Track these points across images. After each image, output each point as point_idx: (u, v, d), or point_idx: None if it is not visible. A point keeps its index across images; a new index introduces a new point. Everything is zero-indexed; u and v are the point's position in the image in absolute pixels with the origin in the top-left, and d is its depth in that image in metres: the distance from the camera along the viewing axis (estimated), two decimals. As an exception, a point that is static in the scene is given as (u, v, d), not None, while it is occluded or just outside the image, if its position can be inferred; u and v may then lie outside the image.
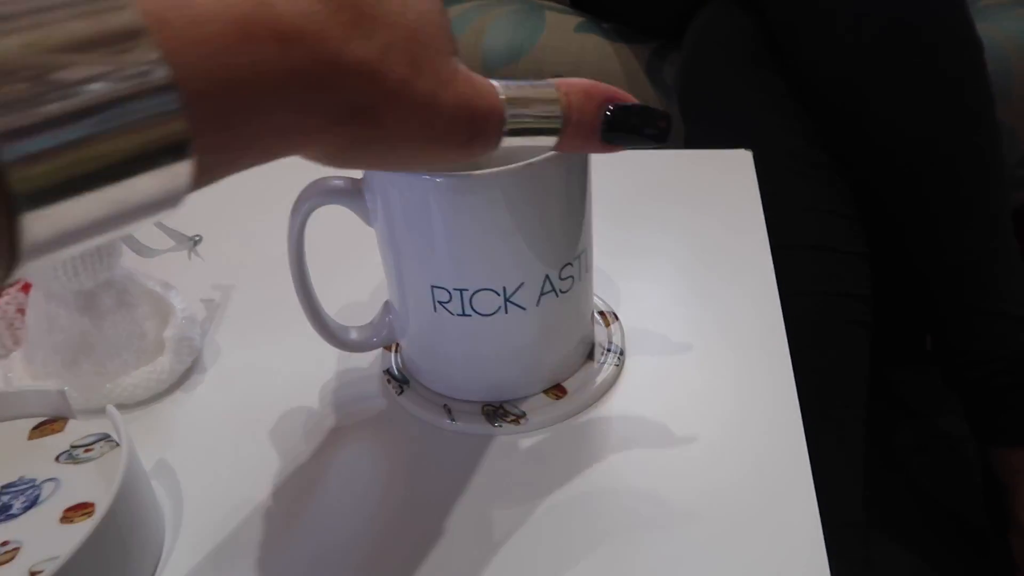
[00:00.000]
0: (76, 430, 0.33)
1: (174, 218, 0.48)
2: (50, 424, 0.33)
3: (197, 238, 0.44)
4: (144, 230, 0.46)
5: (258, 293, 0.47)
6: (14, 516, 0.29)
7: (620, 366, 0.39)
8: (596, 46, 0.96)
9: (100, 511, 0.27)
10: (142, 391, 0.39)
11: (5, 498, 0.29)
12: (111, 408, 0.32)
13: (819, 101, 0.71)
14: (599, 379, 0.38)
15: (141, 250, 0.39)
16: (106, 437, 0.32)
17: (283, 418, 0.38)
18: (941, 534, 0.88)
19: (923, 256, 0.71)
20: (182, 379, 0.41)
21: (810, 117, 0.71)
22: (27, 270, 0.16)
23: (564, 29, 0.98)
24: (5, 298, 0.42)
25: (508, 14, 1.00)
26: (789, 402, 0.36)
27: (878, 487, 0.79)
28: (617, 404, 0.37)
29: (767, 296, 0.43)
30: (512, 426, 0.36)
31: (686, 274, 0.46)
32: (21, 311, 0.43)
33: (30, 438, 0.32)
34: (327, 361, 0.41)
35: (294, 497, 0.34)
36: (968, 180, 0.68)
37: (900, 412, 1.02)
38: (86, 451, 0.32)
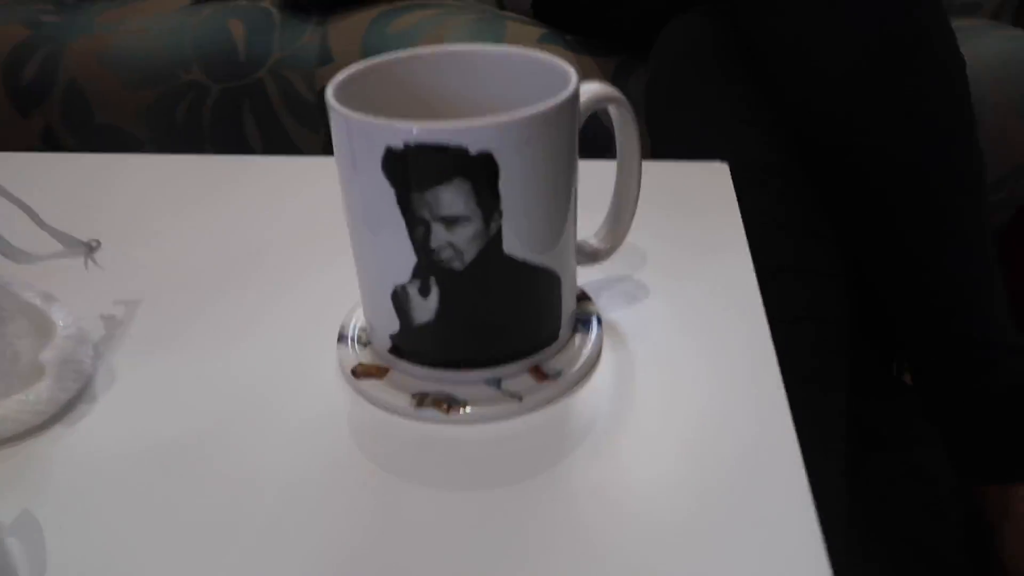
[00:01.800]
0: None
1: (66, 220, 0.42)
2: None
3: (94, 243, 0.37)
4: (29, 233, 0.39)
5: (169, 308, 0.40)
6: None
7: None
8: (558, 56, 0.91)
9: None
10: (11, 424, 0.32)
11: None
12: None
13: (795, 119, 0.67)
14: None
15: (13, 254, 0.33)
16: None
17: (192, 458, 0.31)
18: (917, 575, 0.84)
19: (903, 281, 0.67)
20: (65, 410, 0.34)
21: (785, 131, 0.67)
22: None
23: (526, 40, 0.93)
24: None
25: (467, 23, 0.96)
26: (775, 390, 0.31)
27: (848, 524, 0.75)
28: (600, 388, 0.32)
29: (744, 272, 0.38)
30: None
31: (666, 281, 0.40)
32: None
33: None
34: (252, 388, 0.35)
35: (203, 560, 0.27)
36: (950, 203, 0.65)
37: (871, 445, 0.98)
38: None
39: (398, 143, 0.28)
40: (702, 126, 0.69)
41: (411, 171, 0.29)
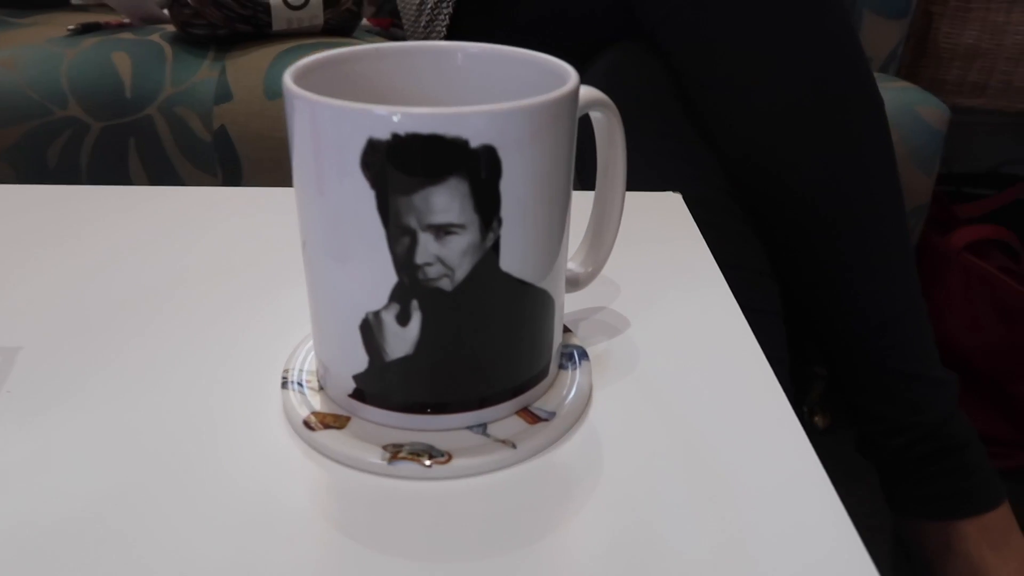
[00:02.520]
0: None
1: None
2: None
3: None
4: None
5: (52, 358, 0.33)
6: None
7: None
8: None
9: None
10: None
11: None
12: None
13: (728, 154, 0.66)
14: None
15: None
16: None
17: (86, 546, 0.24)
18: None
19: (835, 316, 0.66)
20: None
21: (719, 167, 0.66)
22: None
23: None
24: None
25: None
26: (785, 410, 0.28)
27: None
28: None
29: (729, 311, 0.35)
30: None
31: (646, 310, 0.36)
32: None
33: None
34: (167, 453, 0.28)
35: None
36: (877, 239, 0.65)
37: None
38: None
39: (383, 133, 0.23)
40: (637, 158, 0.67)
41: (398, 168, 0.24)
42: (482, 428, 0.28)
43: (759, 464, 0.28)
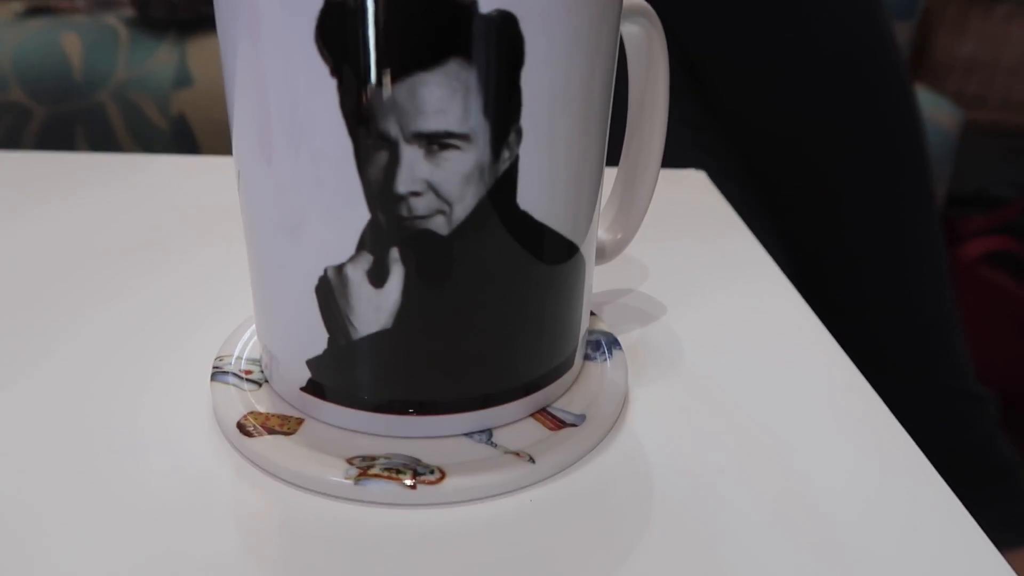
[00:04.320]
0: None
1: None
2: None
3: None
4: None
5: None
6: None
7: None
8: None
9: None
10: None
11: None
12: None
13: (748, 147, 0.59)
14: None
15: None
16: None
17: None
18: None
19: (870, 323, 0.59)
20: None
21: (735, 155, 0.59)
22: None
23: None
24: None
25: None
26: (869, 396, 0.20)
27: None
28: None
29: (786, 295, 0.27)
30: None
31: (682, 293, 0.29)
32: None
33: None
34: (59, 462, 0.20)
35: None
36: (913, 240, 0.59)
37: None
38: None
39: (351, -12, 0.15)
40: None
41: (371, 43, 0.16)
42: (486, 435, 0.20)
43: (852, 476, 0.20)
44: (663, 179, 0.42)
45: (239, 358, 0.23)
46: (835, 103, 0.56)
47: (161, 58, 0.82)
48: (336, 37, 0.16)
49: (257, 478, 0.19)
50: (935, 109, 0.90)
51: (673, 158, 0.59)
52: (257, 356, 0.23)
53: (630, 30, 0.24)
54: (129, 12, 0.87)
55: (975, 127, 1.30)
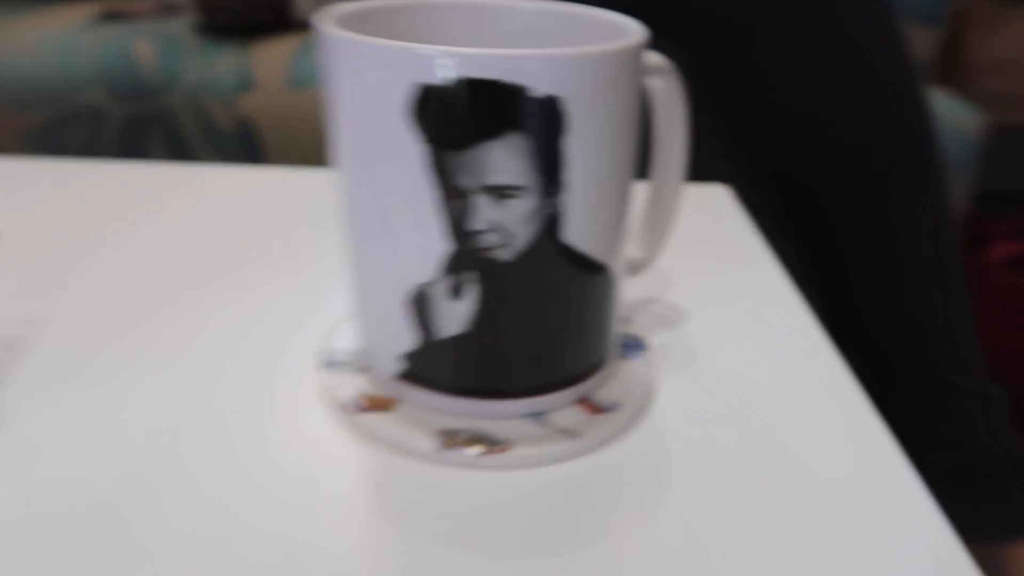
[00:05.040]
0: None
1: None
2: None
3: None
4: None
5: (80, 332, 0.31)
6: None
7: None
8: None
9: None
10: None
11: None
12: None
13: (772, 159, 0.63)
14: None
15: None
16: None
17: (114, 528, 0.22)
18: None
19: (884, 324, 0.63)
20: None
21: (757, 164, 0.63)
22: None
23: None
24: None
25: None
26: (857, 400, 0.25)
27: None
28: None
29: (792, 306, 0.32)
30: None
31: (702, 302, 0.34)
32: None
33: None
34: (198, 434, 0.26)
35: None
36: (928, 243, 0.62)
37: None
38: None
39: (434, 78, 0.21)
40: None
41: (451, 119, 0.21)
42: (541, 417, 0.26)
43: (834, 459, 0.25)
44: (688, 195, 0.46)
45: (340, 350, 0.29)
46: (849, 104, 0.60)
47: (225, 62, 0.89)
48: (424, 113, 0.21)
49: (364, 446, 0.25)
50: (956, 113, 0.92)
51: (697, 169, 0.63)
52: (355, 349, 0.29)
53: (655, 83, 0.29)
54: (194, 18, 0.93)
55: (1008, 127, 1.30)
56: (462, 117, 0.21)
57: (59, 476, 0.24)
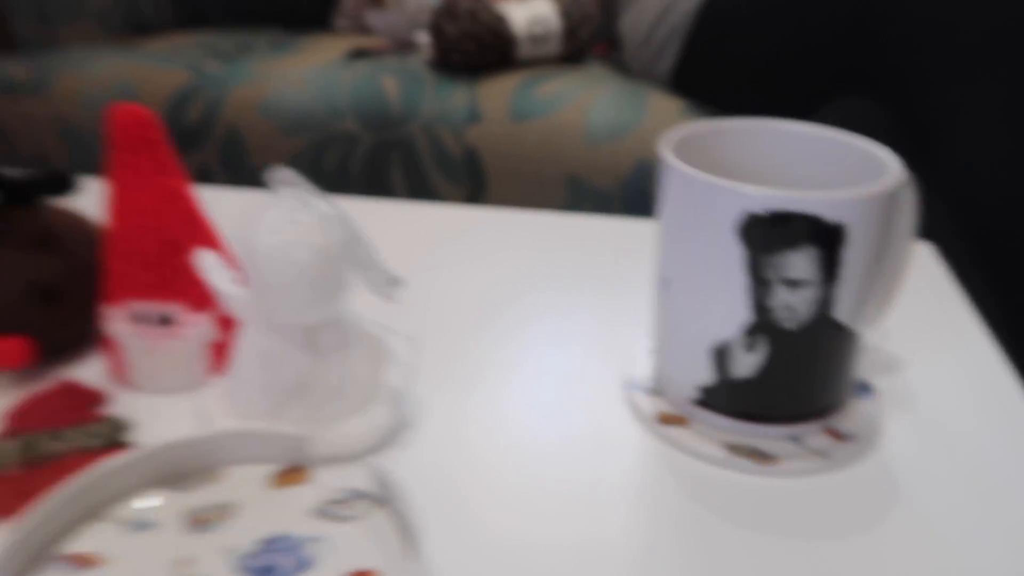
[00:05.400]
0: (322, 483, 0.28)
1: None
2: (291, 473, 0.29)
3: (398, 281, 0.40)
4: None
5: (453, 347, 0.43)
6: (287, 579, 0.24)
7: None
8: (702, 131, 0.95)
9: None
10: (356, 443, 0.35)
11: (268, 556, 0.25)
12: (377, 463, 0.27)
13: (968, 216, 0.69)
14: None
15: (382, 285, 0.35)
16: (359, 494, 0.28)
17: (499, 490, 0.34)
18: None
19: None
20: (392, 433, 0.36)
21: (957, 220, 0.69)
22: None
23: (668, 112, 0.97)
24: (196, 326, 0.38)
25: (611, 94, 1.00)
26: None
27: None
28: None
29: (998, 364, 0.40)
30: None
31: (917, 353, 0.42)
32: (215, 344, 0.39)
33: (272, 487, 0.28)
34: (547, 430, 0.37)
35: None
36: None
37: None
38: (342, 508, 0.27)
39: (761, 209, 0.31)
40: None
41: (768, 236, 0.31)
42: (796, 440, 0.35)
43: (1037, 493, 0.33)
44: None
45: (639, 375, 0.40)
46: None
47: (457, 97, 1.03)
48: (747, 230, 0.31)
49: (666, 449, 0.36)
50: None
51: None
52: (650, 375, 0.39)
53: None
54: (431, 57, 1.08)
55: None
56: (774, 235, 0.31)
57: (476, 453, 0.36)
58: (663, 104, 0.99)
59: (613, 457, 0.35)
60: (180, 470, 0.28)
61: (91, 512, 0.26)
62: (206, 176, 1.11)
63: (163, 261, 0.37)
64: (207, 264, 0.37)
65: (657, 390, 0.39)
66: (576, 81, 1.03)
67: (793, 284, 0.32)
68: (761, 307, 0.33)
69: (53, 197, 0.38)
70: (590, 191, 0.98)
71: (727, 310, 0.33)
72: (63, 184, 0.37)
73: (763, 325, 0.33)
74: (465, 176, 1.03)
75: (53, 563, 0.24)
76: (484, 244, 0.55)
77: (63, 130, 1.15)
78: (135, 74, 1.12)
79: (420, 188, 1.05)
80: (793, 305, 0.32)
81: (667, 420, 0.37)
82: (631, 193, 0.97)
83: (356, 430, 0.35)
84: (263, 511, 0.27)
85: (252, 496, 0.27)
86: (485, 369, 0.42)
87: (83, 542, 0.25)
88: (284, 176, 0.32)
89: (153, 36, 1.35)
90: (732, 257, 0.32)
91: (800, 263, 0.32)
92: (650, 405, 0.38)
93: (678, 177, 0.33)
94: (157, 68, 1.12)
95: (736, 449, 0.35)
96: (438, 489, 0.33)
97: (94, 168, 1.17)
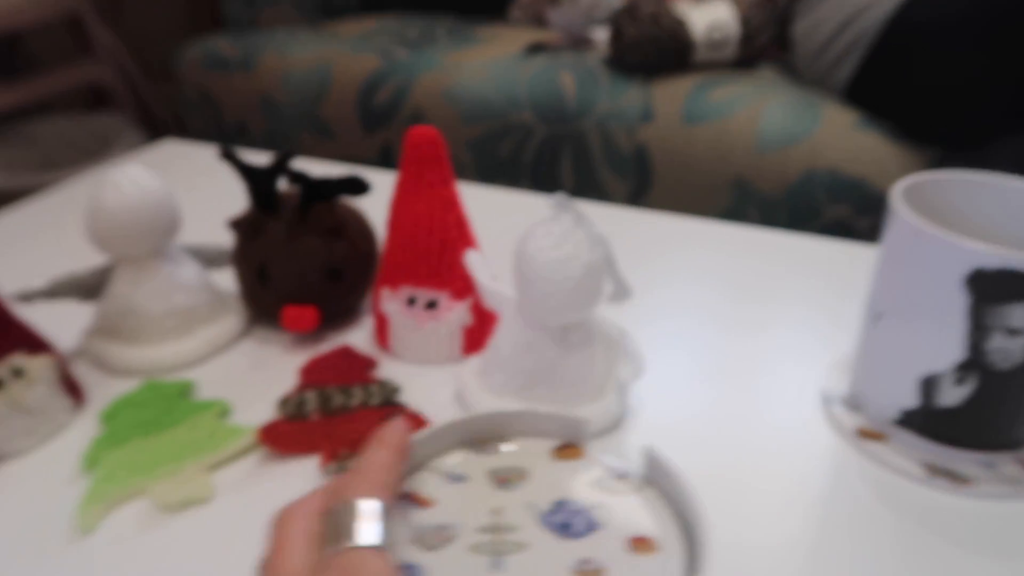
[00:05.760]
0: (595, 459, 0.34)
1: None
2: (568, 448, 0.35)
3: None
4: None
5: (667, 349, 0.49)
6: (579, 535, 0.30)
7: None
8: (875, 145, 0.96)
9: (670, 548, 0.29)
10: (592, 425, 0.41)
11: (563, 515, 0.31)
12: (652, 449, 0.32)
13: None
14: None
15: (620, 294, 0.41)
16: (627, 472, 0.33)
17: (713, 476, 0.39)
18: None
19: None
20: (616, 420, 0.42)
21: None
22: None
23: (841, 124, 0.98)
24: (456, 311, 0.46)
25: (784, 104, 1.02)
26: None
27: None
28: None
29: None
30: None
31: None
32: (468, 328, 0.46)
33: (554, 459, 0.34)
34: (750, 436, 0.42)
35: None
36: None
37: None
38: (617, 483, 0.33)
39: (991, 266, 0.34)
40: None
41: (995, 289, 0.35)
42: (992, 466, 0.39)
43: None
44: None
45: (836, 391, 0.44)
46: None
47: (631, 96, 1.07)
48: (974, 282, 0.35)
49: (864, 463, 0.40)
50: None
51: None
52: (846, 393, 0.43)
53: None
54: (607, 54, 1.13)
55: None
56: (1002, 289, 0.35)
57: (681, 441, 0.41)
58: (836, 115, 1.00)
59: (813, 465, 0.40)
60: (479, 436, 0.34)
61: (418, 464, 0.33)
62: (388, 153, 1.20)
63: (435, 256, 0.45)
64: (473, 262, 0.44)
65: (855, 405, 0.43)
66: (750, 87, 1.05)
67: (1014, 332, 0.35)
68: (977, 349, 0.36)
69: (349, 196, 0.46)
70: (755, 196, 1.01)
71: (941, 349, 0.37)
72: (360, 186, 0.45)
73: (975, 364, 0.37)
74: (633, 172, 1.07)
75: (400, 500, 0.31)
76: (679, 251, 0.60)
77: (265, 105, 1.27)
78: (332, 57, 1.23)
79: (587, 181, 1.10)
80: (1009, 349, 0.36)
81: (866, 435, 0.41)
82: (797, 201, 0.99)
83: (590, 415, 0.41)
84: (550, 478, 0.33)
85: (539, 464, 0.34)
86: (692, 369, 0.47)
87: (416, 486, 0.32)
88: (559, 200, 0.38)
89: (341, 19, 1.46)
90: (954, 304, 0.36)
91: (1021, 313, 0.35)
92: (849, 420, 0.42)
93: (907, 227, 0.37)
94: (351, 53, 1.23)
95: (934, 469, 0.39)
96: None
97: (287, 142, 1.29)
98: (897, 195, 0.39)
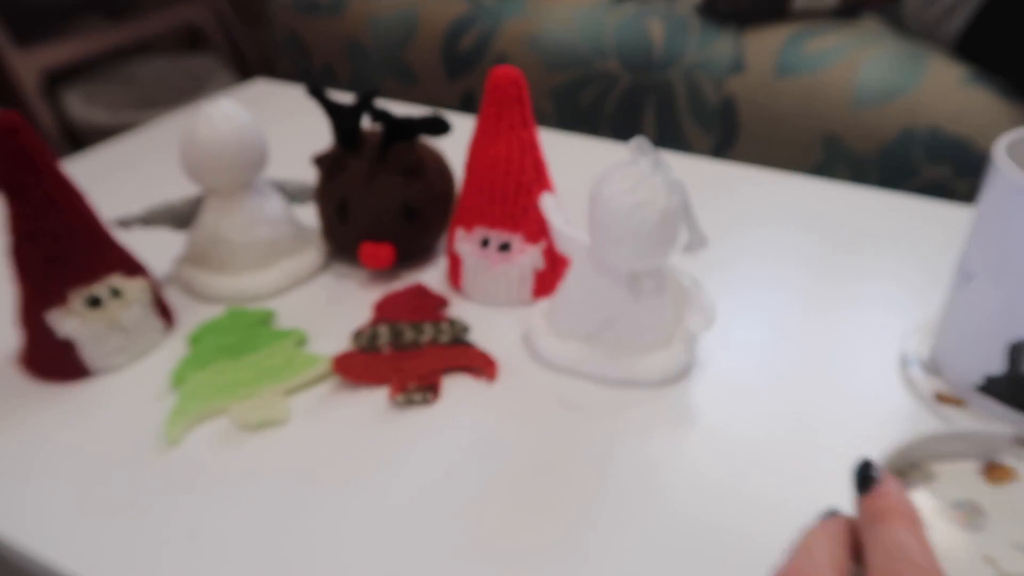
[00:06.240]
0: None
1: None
2: (996, 469, 0.32)
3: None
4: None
5: (738, 307, 0.48)
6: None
7: None
8: (984, 103, 0.90)
9: None
10: (657, 373, 0.41)
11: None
12: None
13: None
14: None
15: (696, 244, 0.41)
16: None
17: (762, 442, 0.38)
18: None
19: None
20: (684, 370, 0.42)
21: None
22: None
23: (948, 79, 0.93)
24: (528, 254, 0.46)
25: (884, 55, 0.96)
26: None
27: None
28: None
29: None
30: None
31: None
32: (540, 271, 0.47)
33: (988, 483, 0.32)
34: (818, 396, 0.41)
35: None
36: None
37: None
38: None
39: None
40: None
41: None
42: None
43: None
44: None
45: (914, 354, 0.42)
46: None
47: (722, 45, 1.03)
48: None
49: (942, 428, 0.39)
50: None
51: None
52: (926, 357, 0.42)
53: None
54: (697, 1, 1.09)
55: None
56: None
57: (738, 397, 0.41)
58: (943, 69, 0.94)
59: (887, 427, 0.39)
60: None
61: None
62: (470, 100, 1.20)
63: (511, 199, 0.45)
64: (548, 205, 0.44)
65: (934, 369, 0.41)
66: (850, 38, 1.00)
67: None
68: (1071, 312, 0.34)
69: (429, 137, 0.46)
70: (846, 155, 0.97)
71: (1035, 312, 0.35)
72: (441, 126, 0.45)
73: (1069, 329, 0.35)
74: (719, 125, 1.04)
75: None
76: (762, 204, 0.59)
77: (352, 49, 1.29)
78: (418, 2, 1.23)
79: (670, 132, 1.08)
80: (1107, 316, 0.34)
81: (944, 400, 0.39)
82: (891, 160, 0.94)
83: (656, 362, 0.41)
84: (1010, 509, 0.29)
85: (977, 492, 0.30)
86: (766, 323, 0.46)
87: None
88: (639, 143, 0.37)
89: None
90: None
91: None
92: (927, 383, 0.40)
93: (1008, 183, 0.35)
94: (438, -3, 1.22)
95: (1019, 437, 0.37)
96: (711, 427, 0.39)
97: (371, 84, 1.30)
98: (1000, 149, 0.36)
